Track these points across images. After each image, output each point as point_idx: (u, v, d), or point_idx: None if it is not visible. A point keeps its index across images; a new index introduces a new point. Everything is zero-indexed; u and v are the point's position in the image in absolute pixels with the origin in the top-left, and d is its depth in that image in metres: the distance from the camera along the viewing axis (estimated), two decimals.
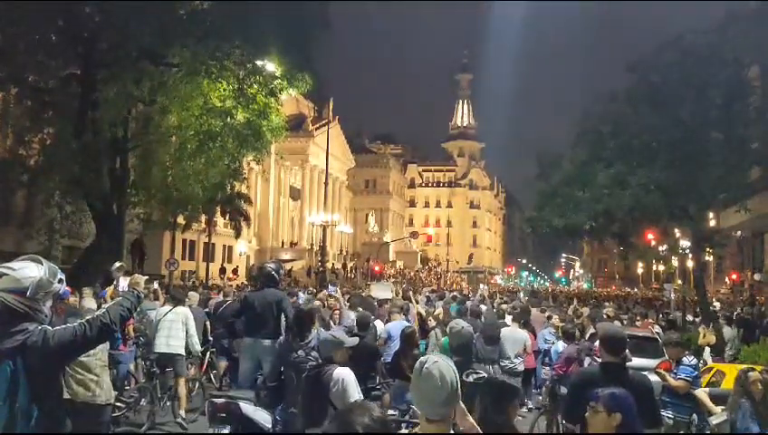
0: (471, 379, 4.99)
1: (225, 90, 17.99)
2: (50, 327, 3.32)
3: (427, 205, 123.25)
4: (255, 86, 18.55)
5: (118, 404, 7.47)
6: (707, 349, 14.86)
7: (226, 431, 6.49)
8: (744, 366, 7.35)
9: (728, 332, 16.10)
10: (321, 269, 40.69)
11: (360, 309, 11.66)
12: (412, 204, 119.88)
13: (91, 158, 17.93)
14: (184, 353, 10.05)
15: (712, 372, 8.88)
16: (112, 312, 3.59)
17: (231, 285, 25.30)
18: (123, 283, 6.18)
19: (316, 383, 5.75)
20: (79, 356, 4.38)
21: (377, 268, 59.12)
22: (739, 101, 20.93)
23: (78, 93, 18.39)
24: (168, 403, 10.06)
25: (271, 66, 18.57)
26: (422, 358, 3.10)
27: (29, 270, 3.29)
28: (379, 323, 11.45)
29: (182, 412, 9.64)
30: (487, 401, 3.75)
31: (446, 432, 3.02)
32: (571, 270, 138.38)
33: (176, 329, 9.94)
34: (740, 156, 21.46)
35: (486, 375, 5.17)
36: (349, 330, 9.42)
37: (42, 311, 3.33)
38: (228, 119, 18.33)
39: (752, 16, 22.64)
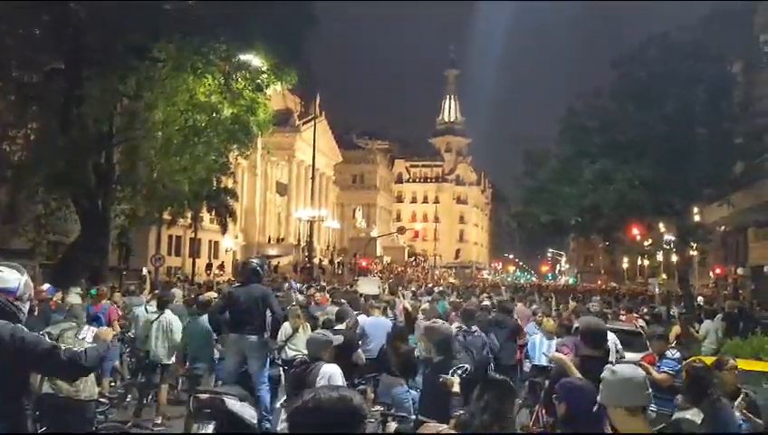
0: (458, 374, 5.01)
1: (210, 85, 17.92)
2: (21, 326, 3.34)
3: (414, 200, 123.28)
4: (242, 81, 18.51)
5: (102, 400, 7.43)
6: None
7: (211, 427, 6.48)
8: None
9: (707, 326, 16.23)
10: (308, 265, 40.69)
11: (344, 301, 11.69)
12: (399, 199, 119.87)
13: (77, 153, 17.81)
14: (171, 362, 10.09)
15: None
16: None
17: (224, 282, 25.23)
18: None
19: (303, 379, 5.79)
20: (47, 374, 4.34)
21: (364, 263, 59.13)
22: (723, 96, 21.12)
23: (63, 88, 18.25)
24: (154, 401, 10.06)
25: (257, 61, 18.51)
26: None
27: (12, 273, 3.37)
28: (362, 318, 11.49)
29: (158, 419, 9.63)
30: (493, 398, 3.75)
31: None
32: (558, 265, 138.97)
33: (163, 338, 9.95)
34: (724, 151, 21.67)
35: (469, 368, 5.19)
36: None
37: (23, 311, 3.40)
38: (214, 114, 18.28)
39: (735, 13, 22.85)
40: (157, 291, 14.37)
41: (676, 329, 15.49)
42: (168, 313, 10.21)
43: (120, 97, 18.34)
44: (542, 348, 10.32)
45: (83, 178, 18.35)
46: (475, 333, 9.27)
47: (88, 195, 18.67)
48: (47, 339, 3.52)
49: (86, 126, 17.88)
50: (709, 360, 8.45)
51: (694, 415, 5.06)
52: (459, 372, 5.04)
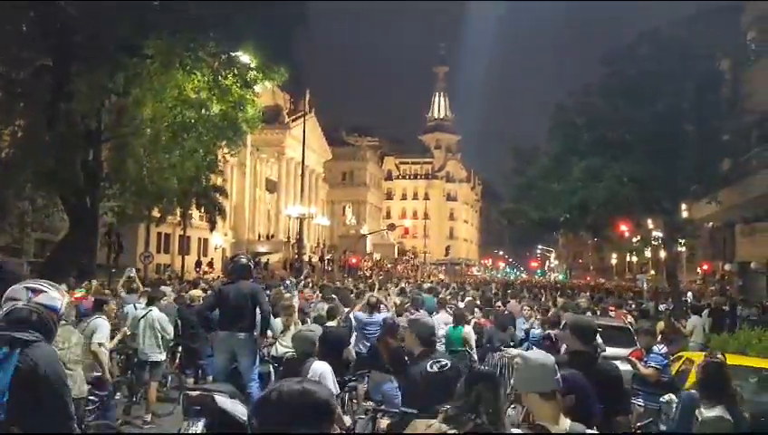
0: (435, 368, 5.02)
1: (199, 81, 17.85)
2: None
3: (404, 197, 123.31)
4: (230, 77, 18.44)
5: (91, 398, 7.41)
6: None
7: (201, 424, 6.47)
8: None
9: (694, 321, 16.35)
10: (297, 262, 40.64)
11: (335, 296, 11.69)
12: (389, 196, 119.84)
13: (64, 150, 17.71)
14: (161, 359, 10.09)
15: (681, 361, 9.03)
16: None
17: (213, 279, 25.15)
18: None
19: (294, 377, 5.78)
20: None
21: (354, 261, 59.13)
22: (711, 93, 21.23)
23: (51, 85, 18.13)
24: (144, 398, 10.04)
25: (246, 58, 18.46)
26: None
27: (58, 292, 3.44)
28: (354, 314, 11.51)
29: (148, 417, 9.62)
30: (479, 391, 3.76)
31: None
32: (547, 262, 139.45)
33: (153, 336, 9.93)
34: (712, 148, 21.81)
35: (450, 363, 5.20)
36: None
37: (55, 332, 3.42)
38: (203, 110, 18.21)
39: (723, 10, 22.99)
40: (146, 289, 14.33)
41: (660, 324, 15.62)
42: (155, 310, 10.19)
43: (109, 93, 18.24)
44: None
45: (71, 176, 18.24)
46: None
47: (76, 192, 18.56)
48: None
49: (74, 123, 17.78)
50: (697, 355, 8.53)
51: (723, 413, 5.07)
52: (437, 366, 5.06)
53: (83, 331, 7.77)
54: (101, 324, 8.22)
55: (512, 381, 4.10)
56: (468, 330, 11.15)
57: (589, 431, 3.50)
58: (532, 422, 3.62)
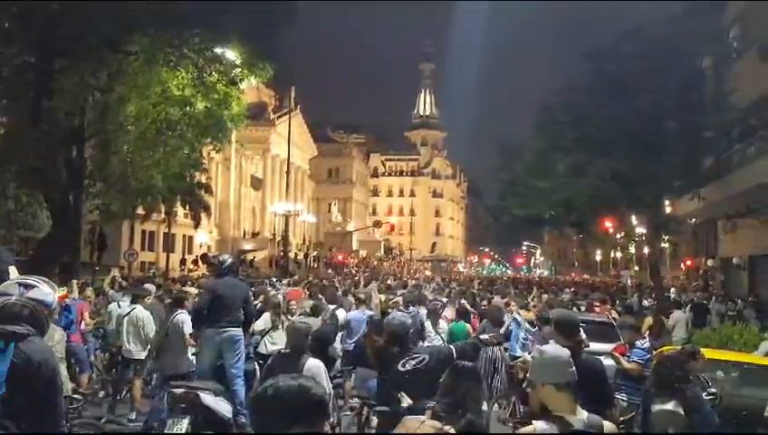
0: (410, 366, 5.04)
1: (184, 78, 17.74)
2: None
3: (389, 194, 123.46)
4: (215, 75, 18.35)
5: (75, 396, 7.38)
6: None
7: (186, 422, 6.47)
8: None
9: (676, 316, 16.51)
10: (283, 259, 40.60)
11: (321, 296, 11.71)
12: (375, 193, 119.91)
13: (48, 147, 17.54)
14: (144, 357, 10.06)
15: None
16: None
17: (199, 277, 25.02)
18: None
19: (286, 371, 5.76)
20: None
21: (340, 258, 59.14)
22: (694, 91, 21.41)
23: (33, 82, 17.96)
24: (128, 396, 10.01)
25: (231, 54, 18.38)
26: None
27: (48, 287, 3.48)
28: (341, 312, 11.54)
29: (132, 415, 9.60)
30: (464, 385, 3.80)
31: None
32: (532, 258, 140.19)
33: (134, 333, 9.90)
34: (695, 145, 21.99)
35: (428, 357, 5.21)
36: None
37: (49, 325, 3.45)
38: (187, 107, 18.10)
39: (705, 9, 23.18)
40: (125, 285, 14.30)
41: (648, 320, 15.75)
42: (139, 308, 10.16)
43: (92, 90, 18.09)
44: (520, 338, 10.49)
45: (54, 173, 18.08)
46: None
47: (59, 190, 18.41)
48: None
49: (57, 120, 17.61)
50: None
51: (676, 408, 5.13)
52: (413, 362, 5.08)
53: (168, 325, 8.77)
54: (186, 319, 8.78)
55: (502, 375, 4.14)
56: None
57: (606, 423, 3.58)
58: (519, 417, 3.67)
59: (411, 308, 11.43)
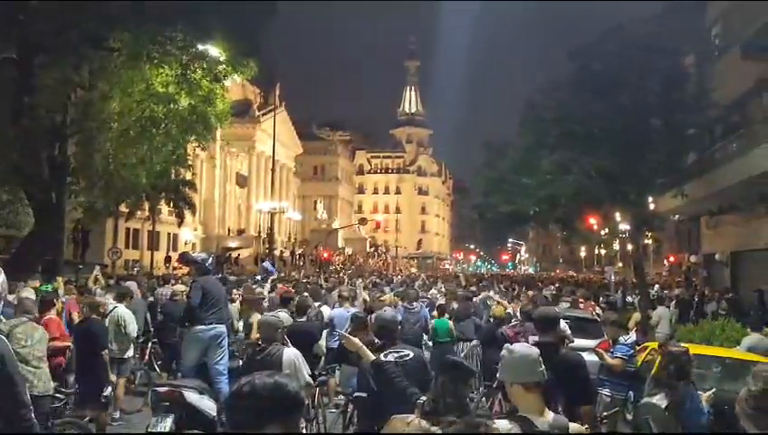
0: (391, 358, 5.05)
1: (167, 75, 17.62)
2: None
3: (375, 191, 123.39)
4: (200, 71, 18.24)
5: (58, 395, 7.32)
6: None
7: (170, 420, 6.44)
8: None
9: (660, 312, 16.64)
10: (269, 257, 40.43)
11: (306, 294, 11.69)
12: (361, 190, 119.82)
13: (29, 145, 17.38)
14: (127, 356, 10.02)
15: (647, 351, 9.18)
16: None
17: (183, 275, 24.88)
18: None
19: (264, 364, 5.76)
20: None
21: (325, 255, 59.05)
22: (677, 88, 21.54)
23: (14, 78, 17.76)
24: (112, 394, 9.93)
25: (215, 51, 18.28)
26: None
27: None
28: (326, 309, 11.53)
29: (117, 414, 9.55)
30: (446, 380, 3.80)
31: None
32: (518, 255, 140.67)
33: (116, 332, 9.82)
34: (678, 142, 22.14)
35: (412, 354, 5.23)
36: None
37: None
38: (171, 104, 17.98)
39: (688, 8, 23.34)
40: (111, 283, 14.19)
41: (636, 316, 15.85)
42: (120, 307, 10.09)
43: (74, 87, 17.92)
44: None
45: (36, 171, 17.92)
46: None
47: (41, 187, 18.24)
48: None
49: (39, 117, 17.44)
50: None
51: (660, 400, 5.17)
52: (395, 356, 5.09)
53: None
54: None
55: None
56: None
57: (573, 425, 3.55)
58: (502, 414, 3.67)
59: (415, 304, 11.55)
